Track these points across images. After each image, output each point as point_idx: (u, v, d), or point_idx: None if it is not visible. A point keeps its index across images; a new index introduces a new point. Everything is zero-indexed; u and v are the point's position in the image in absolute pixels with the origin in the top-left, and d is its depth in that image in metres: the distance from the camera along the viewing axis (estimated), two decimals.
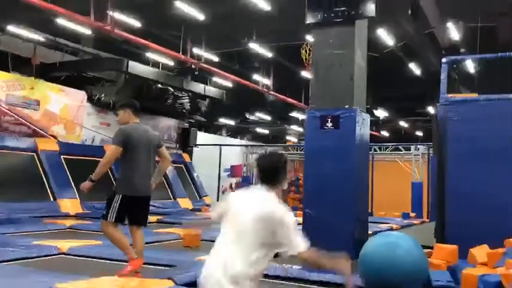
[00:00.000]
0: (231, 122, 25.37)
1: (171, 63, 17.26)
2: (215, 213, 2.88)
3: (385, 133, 28.16)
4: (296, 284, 5.25)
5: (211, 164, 20.80)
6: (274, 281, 5.30)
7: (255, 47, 15.46)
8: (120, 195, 4.81)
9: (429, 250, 5.54)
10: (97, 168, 4.79)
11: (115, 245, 4.99)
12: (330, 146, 7.04)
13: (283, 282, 5.29)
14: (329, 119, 7.17)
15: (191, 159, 19.56)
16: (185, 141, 20.19)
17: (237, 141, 25.46)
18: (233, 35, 15.35)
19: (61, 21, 12.76)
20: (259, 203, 2.68)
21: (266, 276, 5.31)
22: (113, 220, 4.83)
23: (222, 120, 24.56)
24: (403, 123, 27.10)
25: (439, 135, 7.11)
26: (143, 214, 5.11)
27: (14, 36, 14.11)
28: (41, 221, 10.27)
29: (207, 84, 19.09)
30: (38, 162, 13.05)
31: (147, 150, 4.96)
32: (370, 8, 7.37)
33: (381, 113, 24.46)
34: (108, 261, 5.98)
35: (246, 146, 23.85)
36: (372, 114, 20.51)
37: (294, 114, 24.39)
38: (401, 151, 20.47)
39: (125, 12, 12.84)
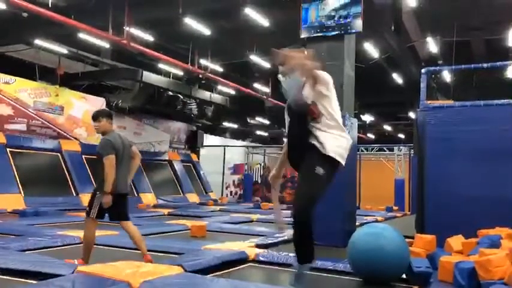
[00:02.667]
0: (234, 126, 25.35)
1: (181, 73, 17.25)
2: None
3: (371, 135, 28.13)
4: (292, 270, 5.22)
5: (216, 162, 20.81)
6: (270, 267, 5.28)
7: (255, 58, 15.46)
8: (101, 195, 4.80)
9: (410, 239, 5.53)
10: (107, 181, 4.74)
11: (84, 241, 4.92)
12: None
13: (279, 268, 5.26)
14: None
15: (198, 159, 19.57)
16: (193, 143, 20.19)
17: (239, 142, 25.44)
18: (236, 48, 15.35)
19: (83, 36, 12.75)
20: None
21: (262, 262, 5.32)
22: (95, 216, 4.81)
23: (226, 124, 24.53)
24: (386, 127, 27.08)
25: (418, 137, 7.10)
26: (126, 209, 5.07)
27: (40, 49, 14.11)
28: (65, 214, 10.27)
29: (212, 92, 19.09)
30: (62, 161, 13.07)
31: (124, 153, 4.99)
32: (358, 24, 7.39)
33: (367, 118, 24.43)
34: (123, 249, 5.97)
35: (247, 147, 23.84)
36: (359, 119, 20.53)
37: None
38: (385, 151, 20.45)
39: (139, 28, 12.84)
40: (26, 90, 13.27)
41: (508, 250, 4.03)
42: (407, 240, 4.85)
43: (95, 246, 5.07)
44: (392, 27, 12.49)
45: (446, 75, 16.22)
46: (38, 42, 13.56)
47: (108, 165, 4.77)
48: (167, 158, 17.66)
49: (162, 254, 5.52)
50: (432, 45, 13.75)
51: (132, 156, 5.17)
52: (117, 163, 4.86)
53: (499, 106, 6.31)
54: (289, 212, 12.02)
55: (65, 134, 14.20)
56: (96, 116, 5.01)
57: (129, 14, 11.61)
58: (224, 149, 21.51)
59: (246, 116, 24.62)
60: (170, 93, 17.12)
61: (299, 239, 3.43)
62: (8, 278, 4.21)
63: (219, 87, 19.58)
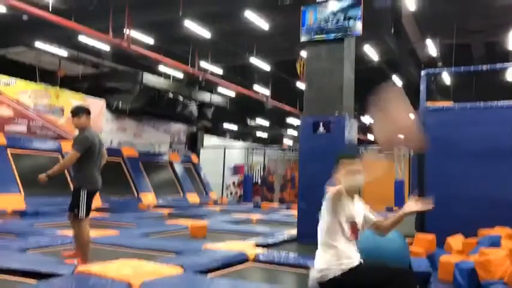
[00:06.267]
0: (234, 127, 25.37)
1: (181, 75, 17.27)
2: None
3: (371, 136, 28.16)
4: (291, 269, 5.22)
5: (216, 163, 20.78)
6: (270, 266, 5.27)
7: (255, 61, 15.47)
8: (86, 191, 4.80)
9: (410, 239, 5.52)
10: (57, 167, 4.83)
11: (79, 242, 4.86)
12: (322, 148, 7.05)
13: (279, 267, 5.26)
14: (321, 124, 7.19)
15: (199, 160, 19.56)
16: (193, 144, 20.20)
17: (239, 143, 25.45)
18: (236, 51, 15.37)
19: (83, 38, 12.76)
20: None
21: (262, 262, 5.31)
22: (84, 216, 4.79)
23: (226, 125, 24.55)
24: None
25: None
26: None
27: (41, 51, 14.12)
28: (65, 214, 10.23)
29: (212, 94, 19.10)
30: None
31: (99, 150, 5.01)
32: (358, 27, 7.40)
33: (368, 119, 24.45)
34: (124, 249, 5.96)
35: (247, 148, 23.84)
36: (359, 120, 20.52)
37: (290, 120, 24.38)
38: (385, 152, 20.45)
39: (139, 31, 12.85)
40: (26, 92, 13.26)
41: (508, 250, 4.03)
42: (407, 239, 4.85)
43: (95, 246, 5.07)
44: (392, 30, 12.50)
45: (446, 78, 16.23)
46: (38, 44, 13.57)
47: (70, 158, 4.79)
48: (168, 159, 17.66)
49: (163, 254, 5.51)
50: (432, 48, 13.76)
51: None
52: (93, 160, 4.87)
53: (499, 108, 6.31)
54: (289, 212, 11.94)
55: (65, 135, 14.19)
56: (76, 112, 4.97)
57: (129, 16, 11.64)
58: (224, 149, 21.51)
59: (246, 117, 24.65)
60: (170, 95, 17.14)
61: None
62: (8, 277, 4.20)
63: (219, 89, 19.60)
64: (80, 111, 4.97)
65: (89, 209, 4.89)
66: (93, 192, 4.91)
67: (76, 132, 5.13)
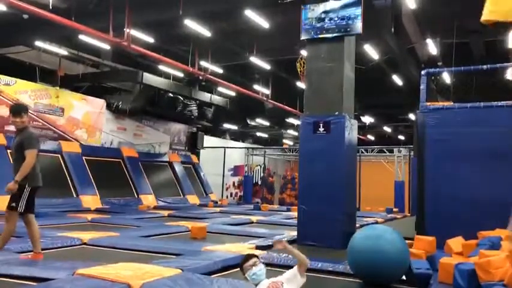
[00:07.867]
0: (234, 127, 25.37)
1: (181, 74, 17.25)
2: None
3: (371, 137, 28.13)
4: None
5: (216, 164, 20.80)
6: (270, 268, 5.26)
7: (255, 60, 15.45)
8: (30, 188, 4.94)
9: (410, 241, 5.52)
10: (23, 171, 4.86)
11: (5, 233, 4.96)
12: (322, 148, 7.06)
13: (279, 269, 5.25)
14: (321, 124, 7.20)
15: (198, 160, 19.57)
16: (193, 144, 20.20)
17: (240, 144, 25.43)
18: (236, 50, 15.34)
19: (83, 38, 12.74)
20: None
21: (264, 264, 5.30)
22: (23, 210, 4.91)
23: (226, 125, 24.54)
24: (387, 128, 27.08)
25: (418, 138, 7.11)
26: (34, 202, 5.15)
27: (41, 51, 14.11)
28: (65, 215, 10.26)
29: (212, 93, 19.09)
30: (62, 162, 13.06)
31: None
32: (358, 26, 7.39)
33: (368, 119, 24.43)
34: (124, 251, 5.97)
35: (248, 148, 23.84)
36: (359, 120, 20.54)
37: (290, 120, 24.36)
38: (385, 153, 20.47)
39: (140, 30, 12.83)
40: (26, 92, 13.26)
41: (508, 252, 4.02)
42: (407, 241, 4.85)
43: (94, 247, 5.06)
44: (392, 29, 12.48)
45: (446, 77, 16.22)
46: (38, 43, 13.55)
47: (32, 157, 4.89)
48: (167, 160, 17.66)
49: (163, 256, 5.52)
50: (432, 47, 13.74)
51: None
52: (37, 158, 4.99)
53: (499, 108, 6.30)
54: (289, 213, 11.97)
55: (65, 136, 14.19)
56: (19, 111, 5.02)
57: (129, 15, 11.61)
58: (224, 150, 21.52)
59: (246, 117, 24.62)
60: (170, 94, 17.13)
61: None
62: (7, 280, 4.20)
63: (219, 89, 19.58)
64: (23, 111, 5.05)
65: (32, 205, 5.02)
66: (37, 188, 5.05)
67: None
